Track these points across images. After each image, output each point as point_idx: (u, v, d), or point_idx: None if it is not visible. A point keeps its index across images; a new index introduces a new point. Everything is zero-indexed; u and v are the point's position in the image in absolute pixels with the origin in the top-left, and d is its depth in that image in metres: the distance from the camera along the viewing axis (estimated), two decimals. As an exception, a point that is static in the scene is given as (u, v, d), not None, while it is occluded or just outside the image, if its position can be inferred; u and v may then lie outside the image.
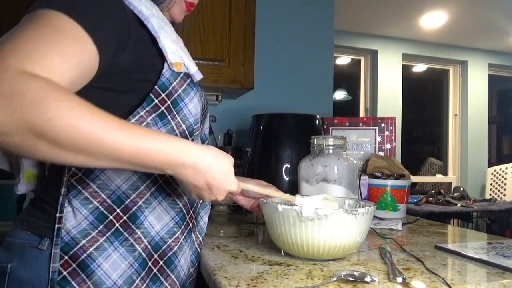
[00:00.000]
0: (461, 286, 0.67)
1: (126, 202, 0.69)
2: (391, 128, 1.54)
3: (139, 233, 0.70)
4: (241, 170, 1.47)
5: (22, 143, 0.48)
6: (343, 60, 4.46)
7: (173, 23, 0.85)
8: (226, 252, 0.89)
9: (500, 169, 4.27)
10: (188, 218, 0.78)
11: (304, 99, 2.15)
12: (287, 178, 1.33)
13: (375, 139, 1.55)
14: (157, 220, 0.72)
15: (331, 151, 1.13)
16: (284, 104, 2.10)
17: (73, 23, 0.56)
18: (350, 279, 0.68)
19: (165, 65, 0.71)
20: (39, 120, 0.47)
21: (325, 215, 0.75)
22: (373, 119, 1.56)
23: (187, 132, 0.75)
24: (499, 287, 0.70)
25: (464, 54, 4.66)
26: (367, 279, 0.68)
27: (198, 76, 0.77)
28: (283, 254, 0.85)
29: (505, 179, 4.19)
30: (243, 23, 1.60)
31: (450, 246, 0.92)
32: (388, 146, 1.54)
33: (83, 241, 0.66)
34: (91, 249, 0.66)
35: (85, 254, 0.66)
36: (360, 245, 0.83)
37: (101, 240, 0.67)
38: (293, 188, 1.26)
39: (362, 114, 4.46)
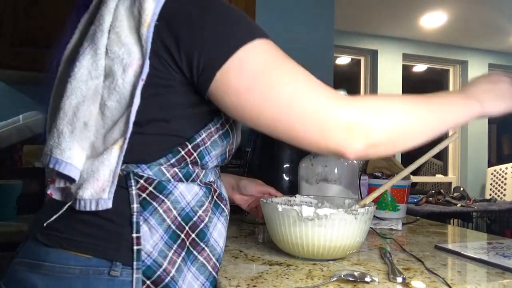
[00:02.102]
0: (461, 286, 0.67)
1: (194, 219, 0.65)
2: (391, 128, 1.54)
3: (208, 251, 0.66)
4: (241, 170, 1.47)
5: (399, 143, 0.63)
6: (343, 60, 4.46)
7: None
8: (226, 252, 0.89)
9: (500, 169, 4.27)
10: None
11: (304, 99, 2.15)
12: (287, 178, 1.33)
13: (375, 139, 1.55)
14: (219, 236, 0.69)
15: (331, 151, 1.13)
16: (284, 104, 2.10)
17: (265, 42, 0.62)
18: (350, 279, 0.68)
19: None
20: (395, 121, 0.61)
21: (325, 215, 0.75)
22: (373, 119, 1.56)
23: (233, 149, 0.74)
24: (499, 287, 0.70)
25: (464, 54, 4.66)
26: (367, 279, 0.68)
27: None
28: (283, 254, 0.85)
29: (505, 179, 4.20)
30: (243, 23, 1.60)
31: (450, 246, 0.92)
32: (388, 146, 1.54)
33: (165, 263, 0.59)
34: (173, 272, 0.60)
35: (169, 278, 0.59)
36: (360, 245, 0.83)
37: (178, 261, 0.61)
38: (293, 188, 1.26)
39: (362, 114, 4.45)
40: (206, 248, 0.65)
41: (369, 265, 0.80)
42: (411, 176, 1.44)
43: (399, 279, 0.69)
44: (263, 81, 0.58)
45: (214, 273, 0.66)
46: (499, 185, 4.24)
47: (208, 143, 0.66)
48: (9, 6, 1.44)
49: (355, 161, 1.17)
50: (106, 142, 0.60)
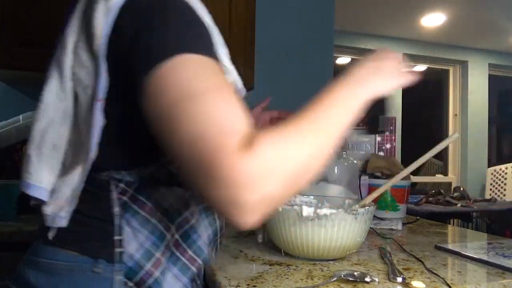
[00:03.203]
0: (461, 286, 0.67)
1: (179, 220, 0.65)
2: (391, 128, 1.54)
3: (190, 252, 0.65)
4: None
5: (294, 192, 0.54)
6: (343, 60, 4.46)
7: None
8: (226, 252, 0.89)
9: (500, 169, 4.27)
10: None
11: (304, 99, 2.15)
12: (287, 178, 1.33)
13: (375, 139, 1.55)
14: (205, 237, 0.68)
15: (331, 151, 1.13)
16: (284, 104, 2.10)
17: (209, 60, 0.54)
18: (350, 279, 0.68)
19: None
20: (294, 170, 0.51)
21: (325, 215, 0.75)
22: (373, 119, 1.56)
23: None
24: (499, 287, 0.70)
25: (464, 54, 4.66)
26: (367, 279, 0.68)
27: (242, 92, 0.71)
28: (283, 254, 0.85)
29: (505, 179, 4.19)
30: (243, 23, 1.60)
31: (450, 246, 0.92)
32: (388, 146, 1.54)
33: (148, 265, 0.60)
34: (157, 273, 0.60)
35: (152, 279, 0.60)
36: (360, 245, 0.83)
37: (164, 262, 0.61)
38: (293, 188, 1.26)
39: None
40: (188, 250, 0.65)
41: (369, 265, 0.80)
42: (411, 176, 1.44)
43: (399, 279, 0.69)
44: (173, 109, 0.52)
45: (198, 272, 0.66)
46: (499, 185, 4.24)
47: None
48: (10, 6, 1.44)
49: (355, 161, 1.17)
50: (74, 162, 0.62)
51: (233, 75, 0.69)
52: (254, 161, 0.48)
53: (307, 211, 0.75)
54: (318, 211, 0.75)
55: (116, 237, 0.59)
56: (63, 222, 0.60)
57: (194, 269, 0.65)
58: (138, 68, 0.54)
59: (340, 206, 0.95)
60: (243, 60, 1.59)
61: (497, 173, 4.28)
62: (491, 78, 4.81)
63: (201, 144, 0.48)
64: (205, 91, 0.51)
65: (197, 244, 0.66)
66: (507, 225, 2.78)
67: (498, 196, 4.15)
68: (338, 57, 4.35)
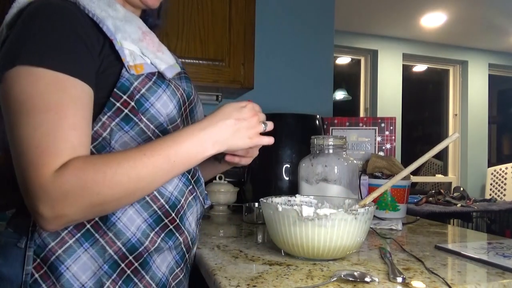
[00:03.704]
0: (461, 286, 0.67)
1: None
2: (391, 128, 1.54)
3: (110, 234, 0.67)
4: (241, 170, 1.47)
5: (95, 216, 0.65)
6: (343, 60, 4.46)
7: (145, 16, 0.85)
8: (226, 252, 0.89)
9: (500, 169, 4.27)
10: (165, 220, 0.73)
11: (304, 99, 2.15)
12: (287, 178, 1.33)
13: (375, 139, 1.55)
14: (130, 221, 0.68)
15: (331, 151, 1.13)
16: (284, 104, 2.10)
17: (57, 76, 0.59)
18: (350, 279, 0.68)
19: (124, 68, 0.68)
20: (94, 200, 0.58)
21: (325, 215, 0.75)
22: (373, 119, 1.56)
23: (158, 131, 0.71)
24: (499, 287, 0.70)
25: (464, 54, 4.67)
26: (367, 279, 0.68)
27: (169, 72, 0.74)
28: (283, 254, 0.85)
29: (505, 179, 4.19)
30: (243, 23, 1.60)
31: (450, 246, 0.92)
32: (388, 146, 1.54)
33: (52, 243, 0.65)
34: (60, 251, 0.65)
35: (54, 257, 0.65)
36: (360, 245, 0.83)
37: (70, 241, 0.65)
38: (293, 188, 1.26)
39: (362, 114, 4.46)
40: (108, 232, 0.68)
41: (369, 265, 0.80)
42: (411, 176, 1.44)
43: (399, 279, 0.69)
44: (11, 117, 0.59)
45: (117, 257, 0.68)
46: (499, 185, 4.24)
47: (105, 133, 0.68)
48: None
49: (355, 161, 1.17)
50: None
51: (150, 58, 0.72)
52: (56, 184, 0.56)
53: (307, 211, 0.75)
54: (318, 211, 0.75)
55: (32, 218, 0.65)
56: None
57: (111, 251, 0.68)
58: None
59: (340, 206, 0.95)
60: (243, 60, 1.59)
61: (497, 173, 4.28)
62: (491, 78, 4.81)
63: (25, 157, 0.57)
64: (41, 109, 0.58)
65: (117, 227, 0.68)
66: (507, 225, 2.78)
67: (498, 196, 4.15)
68: (338, 57, 4.35)
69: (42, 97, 0.58)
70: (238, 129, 0.69)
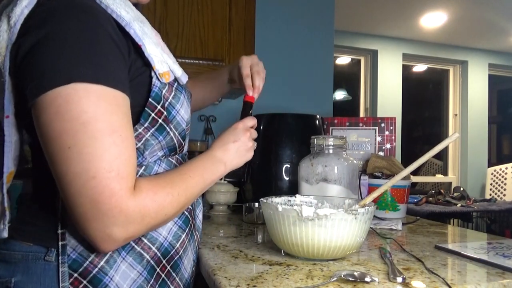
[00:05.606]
0: (461, 286, 0.67)
1: None
2: (391, 128, 1.54)
3: (145, 240, 0.68)
4: (241, 170, 1.47)
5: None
6: (343, 60, 4.46)
7: (136, 5, 0.76)
8: (226, 252, 0.89)
9: (500, 169, 4.27)
10: (191, 220, 0.77)
11: (304, 99, 2.15)
12: (287, 178, 1.33)
13: (375, 139, 1.55)
14: (161, 227, 0.70)
15: (331, 151, 1.13)
16: (284, 104, 2.11)
17: (113, 94, 0.56)
18: (350, 279, 0.68)
19: (154, 76, 0.66)
20: (161, 221, 0.63)
21: (325, 215, 0.75)
22: (373, 119, 1.56)
23: (180, 138, 0.73)
24: (499, 287, 0.70)
25: (464, 54, 4.67)
26: (367, 279, 0.68)
27: (184, 78, 0.73)
28: (283, 254, 0.85)
29: (505, 179, 4.19)
30: (243, 23, 1.60)
31: (450, 246, 0.92)
32: (388, 146, 1.54)
33: (92, 255, 0.63)
34: (102, 263, 0.63)
35: (97, 269, 0.63)
36: (360, 245, 0.83)
37: (110, 252, 0.64)
38: (293, 188, 1.26)
39: (362, 114, 4.46)
40: (143, 238, 0.68)
41: (369, 265, 0.80)
42: (411, 176, 1.44)
43: (399, 279, 0.69)
44: (63, 141, 0.54)
45: (153, 262, 0.69)
46: (499, 185, 4.24)
47: (139, 143, 0.67)
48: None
49: (355, 161, 1.17)
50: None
51: (169, 64, 0.70)
52: (137, 207, 0.56)
53: (307, 211, 0.75)
54: (318, 211, 0.75)
55: (60, 231, 0.63)
56: (4, 233, 0.65)
57: (148, 257, 0.69)
58: (29, 89, 0.54)
59: (340, 206, 0.95)
60: (243, 60, 1.59)
61: (497, 173, 4.28)
62: (491, 78, 4.81)
63: (93, 183, 0.53)
64: (100, 131, 0.54)
65: (149, 232, 0.69)
66: (507, 225, 2.78)
67: (498, 196, 4.15)
68: (338, 57, 4.35)
69: (105, 117, 0.54)
70: (237, 150, 0.79)
